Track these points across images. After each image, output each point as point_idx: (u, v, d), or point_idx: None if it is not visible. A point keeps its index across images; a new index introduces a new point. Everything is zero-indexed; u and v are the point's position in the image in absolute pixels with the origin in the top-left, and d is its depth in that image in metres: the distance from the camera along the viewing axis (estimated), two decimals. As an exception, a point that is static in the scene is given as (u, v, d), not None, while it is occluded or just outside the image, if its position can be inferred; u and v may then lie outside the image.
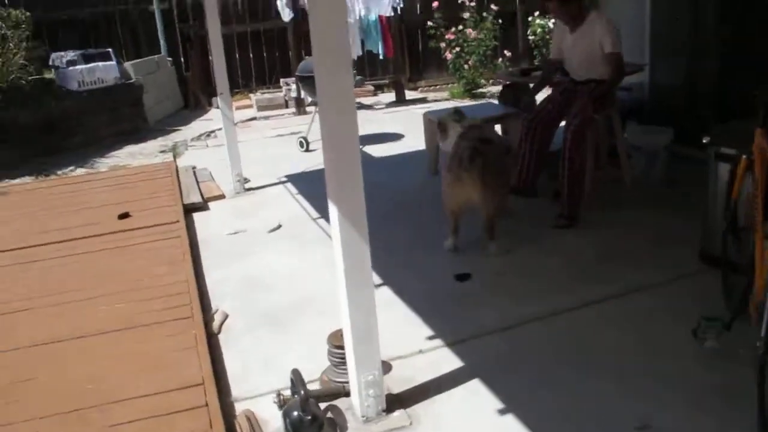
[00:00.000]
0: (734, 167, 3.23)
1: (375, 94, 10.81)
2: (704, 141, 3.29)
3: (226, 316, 3.70)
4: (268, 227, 5.08)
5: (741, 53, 5.35)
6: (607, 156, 5.07)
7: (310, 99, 8.73)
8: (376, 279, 3.24)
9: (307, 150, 7.32)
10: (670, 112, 5.82)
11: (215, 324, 3.61)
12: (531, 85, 5.15)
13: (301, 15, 8.88)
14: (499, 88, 10.44)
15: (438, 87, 11.15)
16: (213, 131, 8.71)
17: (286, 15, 9.02)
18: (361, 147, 7.16)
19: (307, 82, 7.13)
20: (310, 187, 5.88)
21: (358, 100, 10.35)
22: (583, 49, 4.62)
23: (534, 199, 4.91)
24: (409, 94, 10.60)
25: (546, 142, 4.81)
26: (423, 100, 10.22)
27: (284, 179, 6.35)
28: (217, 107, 6.94)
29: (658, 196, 4.97)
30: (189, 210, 5.54)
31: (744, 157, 2.89)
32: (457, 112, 4.85)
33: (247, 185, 6.16)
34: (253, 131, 8.77)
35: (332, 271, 2.70)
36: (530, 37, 10.68)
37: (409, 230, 4.78)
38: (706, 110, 5.58)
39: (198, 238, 4.97)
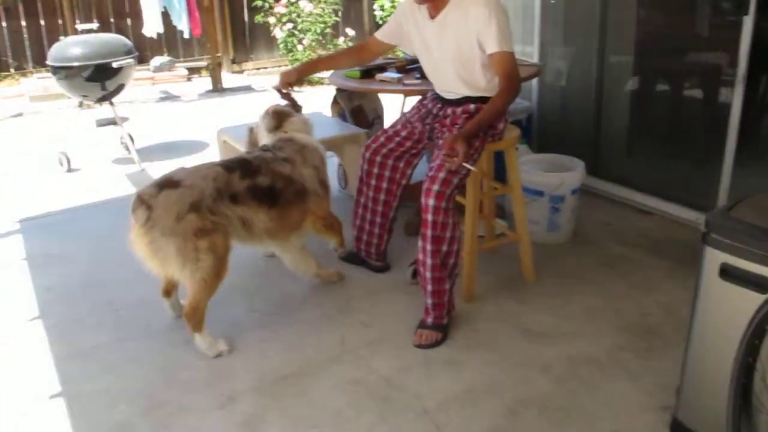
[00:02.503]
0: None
1: (189, 80, 8.61)
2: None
3: None
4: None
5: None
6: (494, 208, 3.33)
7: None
8: None
9: (70, 170, 5.14)
10: (572, 131, 4.22)
11: None
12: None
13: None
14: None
15: (268, 70, 9.09)
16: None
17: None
18: (142, 167, 4.89)
19: (62, 73, 4.90)
20: (50, 238, 3.93)
21: (164, 88, 8.14)
22: (451, 48, 2.78)
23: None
24: (233, 80, 8.49)
25: (396, 187, 3.13)
26: (247, 89, 8.15)
27: (17, 227, 4.14)
28: None
29: (571, 269, 3.29)
30: None
31: None
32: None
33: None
34: (12, 136, 6.34)
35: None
36: (377, 13, 8.90)
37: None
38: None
39: None
